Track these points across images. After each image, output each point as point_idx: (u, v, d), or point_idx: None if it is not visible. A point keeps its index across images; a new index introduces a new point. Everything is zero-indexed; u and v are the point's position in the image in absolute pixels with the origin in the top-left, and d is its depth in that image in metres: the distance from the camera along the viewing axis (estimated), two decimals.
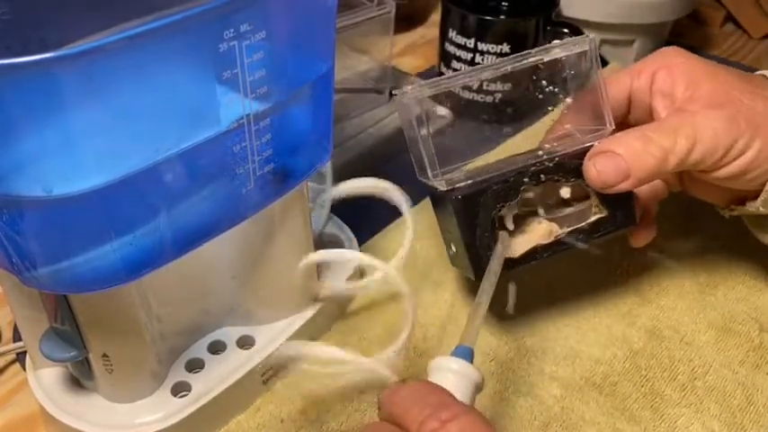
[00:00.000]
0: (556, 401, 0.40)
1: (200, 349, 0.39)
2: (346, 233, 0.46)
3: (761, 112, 0.36)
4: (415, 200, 0.48)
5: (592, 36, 0.38)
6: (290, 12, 0.29)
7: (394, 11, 0.55)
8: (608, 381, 0.41)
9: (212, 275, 0.37)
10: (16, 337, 0.43)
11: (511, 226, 0.39)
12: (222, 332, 0.40)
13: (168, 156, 0.27)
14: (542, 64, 0.38)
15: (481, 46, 0.59)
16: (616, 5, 0.66)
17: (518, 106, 0.41)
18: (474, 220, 0.37)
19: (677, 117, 0.37)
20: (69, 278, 0.28)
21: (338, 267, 0.44)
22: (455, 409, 0.27)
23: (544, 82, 0.39)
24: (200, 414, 0.36)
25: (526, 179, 0.38)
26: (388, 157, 0.56)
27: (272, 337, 0.40)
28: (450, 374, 0.30)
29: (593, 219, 0.39)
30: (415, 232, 0.41)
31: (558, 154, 0.38)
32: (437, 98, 0.37)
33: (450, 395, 0.29)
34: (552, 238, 0.39)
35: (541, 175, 0.38)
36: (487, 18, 0.59)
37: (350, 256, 0.41)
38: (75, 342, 0.33)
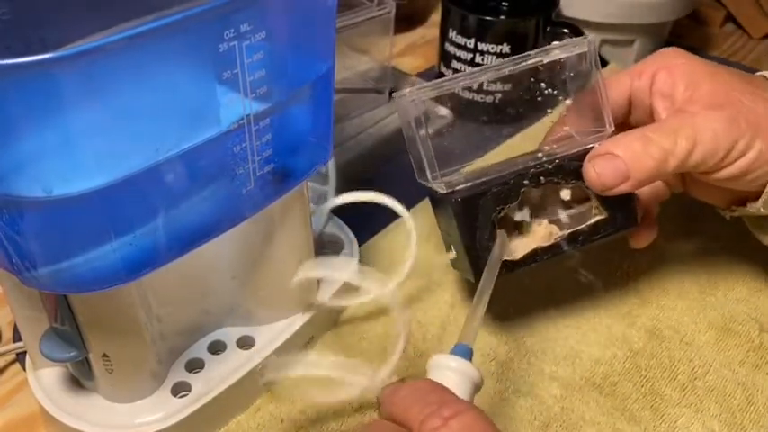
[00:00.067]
0: (556, 401, 0.40)
1: (200, 349, 0.39)
2: (346, 233, 0.46)
3: (761, 113, 0.36)
4: (415, 200, 0.48)
5: (591, 37, 0.38)
6: (290, 12, 0.29)
7: (394, 11, 0.55)
8: (608, 381, 0.41)
9: (212, 276, 0.37)
10: (16, 337, 0.43)
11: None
12: (222, 332, 0.40)
13: (168, 156, 0.27)
14: (542, 65, 0.38)
15: (481, 46, 0.59)
16: (616, 5, 0.66)
17: (518, 107, 0.41)
18: (474, 222, 0.37)
19: (677, 118, 0.37)
20: (69, 278, 0.28)
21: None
22: (456, 406, 0.27)
23: (544, 83, 0.39)
24: (200, 414, 0.36)
25: (526, 181, 0.38)
26: (388, 157, 0.56)
27: (272, 337, 0.40)
28: (450, 372, 0.30)
29: (593, 221, 0.39)
30: (417, 236, 0.41)
31: (558, 156, 0.38)
32: (437, 98, 0.37)
33: (451, 393, 0.29)
34: (552, 241, 0.39)
35: (541, 177, 0.38)
36: (487, 18, 0.59)
37: (345, 276, 0.40)
38: (75, 342, 0.33)
